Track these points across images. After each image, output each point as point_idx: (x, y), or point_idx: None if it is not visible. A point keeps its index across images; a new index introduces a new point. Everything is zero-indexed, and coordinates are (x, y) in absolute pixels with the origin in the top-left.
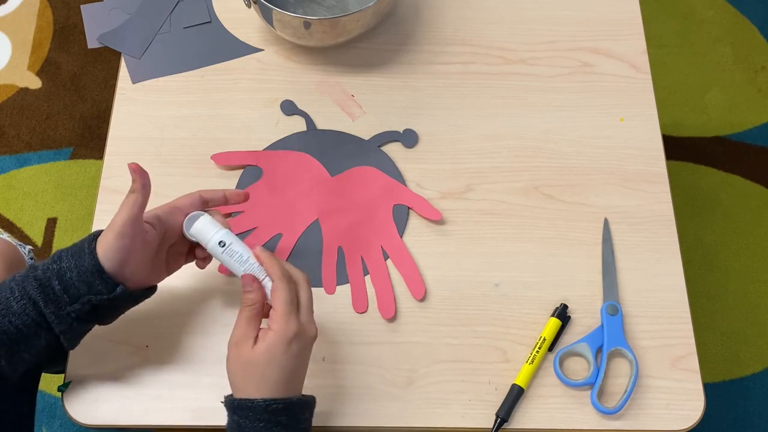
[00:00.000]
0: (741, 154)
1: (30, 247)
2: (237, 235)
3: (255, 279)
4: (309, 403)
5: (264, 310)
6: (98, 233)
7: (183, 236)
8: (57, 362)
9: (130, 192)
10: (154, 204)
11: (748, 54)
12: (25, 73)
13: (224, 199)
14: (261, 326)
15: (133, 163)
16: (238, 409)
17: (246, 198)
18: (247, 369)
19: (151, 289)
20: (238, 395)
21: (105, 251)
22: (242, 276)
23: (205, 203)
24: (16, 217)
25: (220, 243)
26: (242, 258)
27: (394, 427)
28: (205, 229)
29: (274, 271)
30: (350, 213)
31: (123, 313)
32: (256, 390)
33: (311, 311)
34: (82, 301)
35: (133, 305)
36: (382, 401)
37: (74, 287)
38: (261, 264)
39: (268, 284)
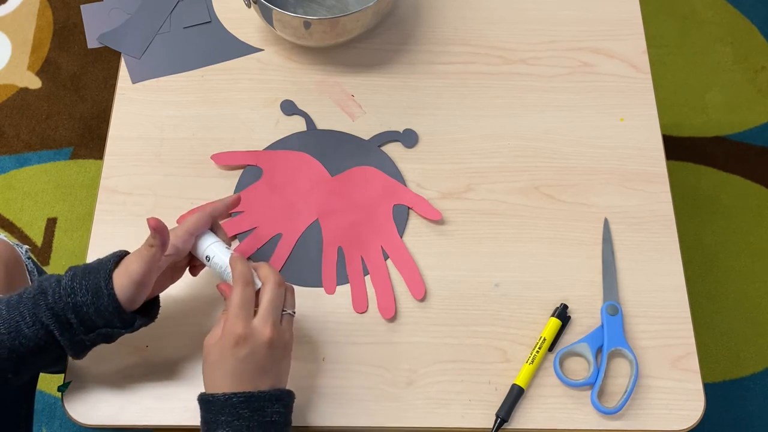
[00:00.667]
0: (741, 154)
1: (27, 246)
2: (237, 235)
3: (228, 286)
4: (279, 396)
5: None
6: (111, 265)
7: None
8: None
9: (149, 245)
10: (151, 204)
11: (748, 54)
12: (25, 73)
13: (226, 210)
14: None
15: (153, 219)
16: (202, 402)
17: (238, 201)
18: (206, 365)
19: (156, 307)
20: (207, 390)
21: (122, 293)
22: (216, 286)
23: (213, 219)
24: (16, 217)
25: (206, 258)
26: (222, 268)
27: (394, 427)
28: (199, 245)
29: (233, 275)
30: (350, 213)
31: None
32: (222, 384)
33: (273, 314)
34: (99, 333)
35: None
36: (382, 401)
37: (91, 321)
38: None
39: None
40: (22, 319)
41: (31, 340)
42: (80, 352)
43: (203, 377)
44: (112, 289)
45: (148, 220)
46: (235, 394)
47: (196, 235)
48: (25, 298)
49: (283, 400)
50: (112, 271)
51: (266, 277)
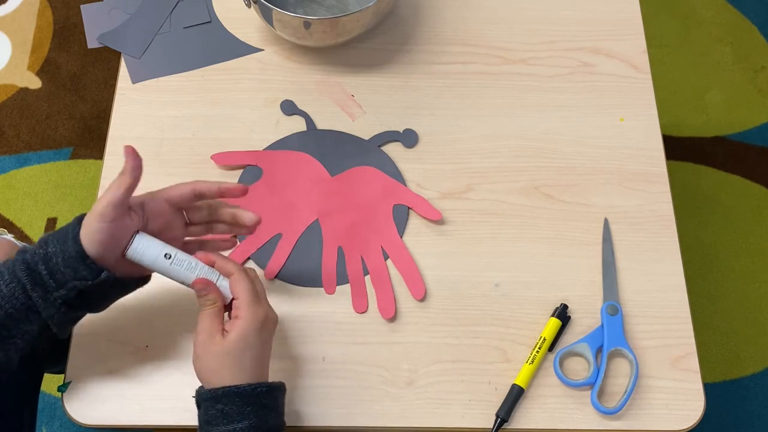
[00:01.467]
0: (741, 154)
1: (11, 235)
2: (237, 235)
3: (208, 282)
4: (282, 387)
5: (223, 308)
6: (83, 216)
7: (172, 226)
8: (57, 362)
9: (120, 174)
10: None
11: (748, 54)
12: (25, 73)
13: (219, 192)
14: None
15: (128, 146)
16: (223, 397)
17: (244, 193)
18: (223, 359)
19: (145, 279)
20: (216, 385)
21: (87, 234)
22: (194, 282)
23: (199, 195)
24: (16, 217)
25: (165, 255)
26: (191, 265)
27: (394, 427)
28: (148, 245)
29: (231, 266)
30: (350, 213)
31: (114, 301)
32: (233, 378)
33: (264, 297)
34: (68, 287)
35: (124, 293)
36: (382, 401)
37: (60, 272)
38: (213, 265)
39: (223, 283)
40: (1, 277)
41: (9, 301)
42: (57, 317)
43: (205, 373)
44: (78, 233)
45: (124, 146)
46: (259, 384)
47: (174, 204)
48: (9, 259)
49: (283, 391)
50: (82, 219)
51: (235, 268)
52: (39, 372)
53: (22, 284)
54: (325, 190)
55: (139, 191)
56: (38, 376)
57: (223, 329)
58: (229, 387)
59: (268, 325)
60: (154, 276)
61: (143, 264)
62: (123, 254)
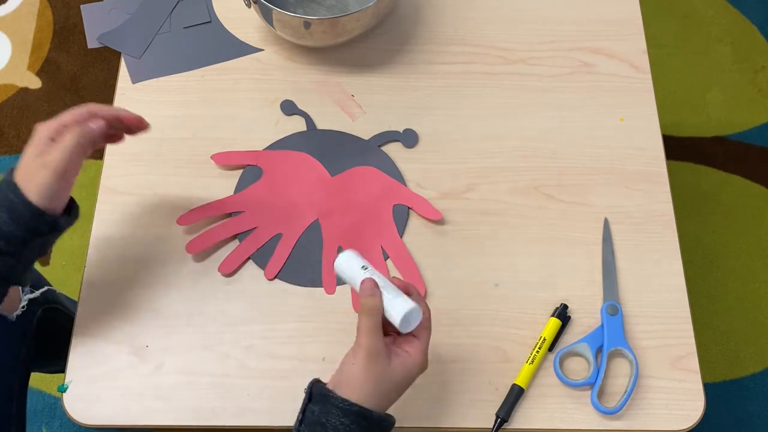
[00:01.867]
0: (741, 154)
1: None
2: (237, 235)
3: (377, 285)
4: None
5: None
6: (10, 174)
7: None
8: (48, 362)
9: (88, 124)
10: (151, 204)
11: (748, 54)
12: (25, 73)
13: (118, 119)
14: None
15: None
16: (355, 415)
17: (141, 123)
18: (380, 382)
19: (75, 206)
20: (353, 399)
21: (40, 191)
22: (364, 280)
23: (93, 116)
24: None
25: (363, 267)
26: (384, 281)
27: (394, 427)
28: (349, 257)
29: (424, 307)
30: (350, 213)
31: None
32: (378, 404)
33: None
34: (30, 246)
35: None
36: None
37: (13, 236)
38: (407, 291)
39: (396, 304)
40: None
41: None
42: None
43: (359, 386)
44: (23, 195)
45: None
46: (387, 419)
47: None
48: None
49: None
50: (12, 178)
51: (425, 308)
52: (26, 368)
53: None
54: (325, 190)
55: (139, 190)
56: (26, 372)
57: (390, 351)
58: (364, 408)
59: (420, 372)
60: (154, 276)
61: (343, 277)
62: None
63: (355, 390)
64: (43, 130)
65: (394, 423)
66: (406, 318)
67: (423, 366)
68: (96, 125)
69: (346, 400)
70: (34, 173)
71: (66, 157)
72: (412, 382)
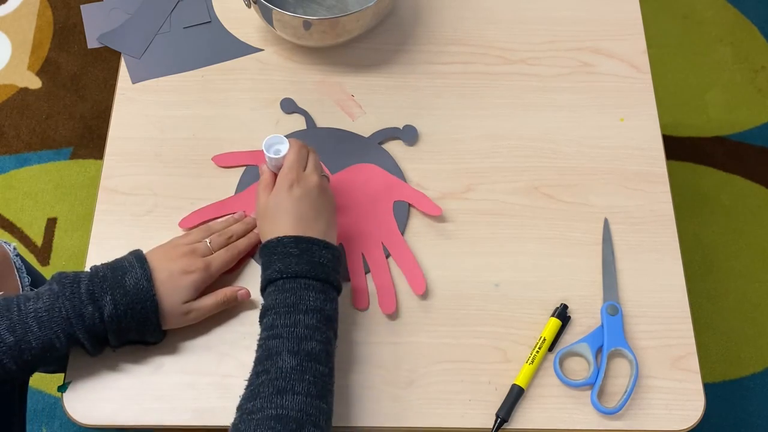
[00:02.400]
0: (741, 154)
1: (14, 244)
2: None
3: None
4: (326, 244)
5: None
6: (149, 280)
7: None
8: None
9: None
10: (151, 204)
11: (748, 54)
12: (25, 73)
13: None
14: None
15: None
16: (261, 249)
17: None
18: (263, 217)
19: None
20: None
21: (168, 323)
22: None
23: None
24: (16, 217)
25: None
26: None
27: (394, 427)
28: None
29: (292, 141)
30: (351, 210)
31: (132, 336)
32: (281, 229)
33: (316, 168)
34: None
35: (144, 334)
36: (382, 401)
37: (125, 335)
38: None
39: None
40: (56, 337)
41: (59, 351)
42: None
43: (261, 234)
44: (158, 321)
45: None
46: (285, 236)
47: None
48: (56, 317)
49: (330, 248)
50: (154, 295)
51: (310, 148)
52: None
53: (80, 342)
54: None
55: (139, 189)
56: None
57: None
58: (265, 242)
59: (302, 185)
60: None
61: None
62: None
63: (267, 232)
64: (199, 234)
65: (312, 239)
66: (269, 144)
67: (287, 180)
68: (244, 296)
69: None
70: (177, 309)
71: (212, 310)
72: (300, 195)
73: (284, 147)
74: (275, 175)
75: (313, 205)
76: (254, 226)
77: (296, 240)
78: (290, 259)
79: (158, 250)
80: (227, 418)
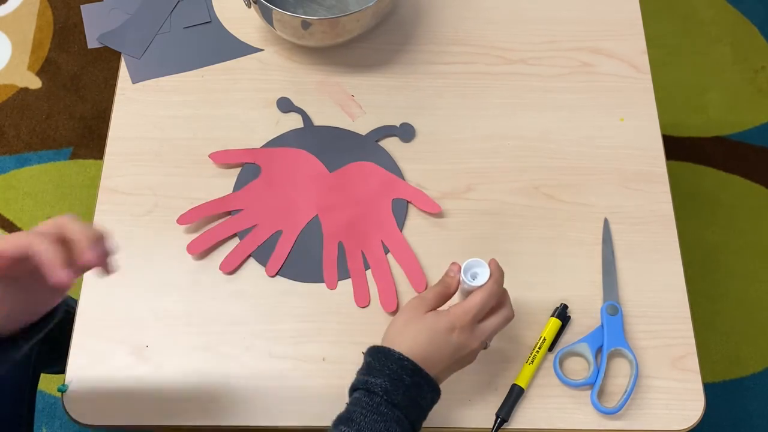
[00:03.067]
0: (741, 154)
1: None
2: (238, 233)
3: (459, 269)
4: (439, 392)
5: (448, 297)
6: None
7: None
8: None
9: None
10: (151, 204)
11: (748, 54)
12: (25, 73)
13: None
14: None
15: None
16: (377, 349)
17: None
18: (409, 324)
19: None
20: (393, 346)
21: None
22: (453, 264)
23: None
24: (16, 217)
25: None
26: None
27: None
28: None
29: (491, 281)
30: (349, 208)
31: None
32: (400, 345)
33: (485, 336)
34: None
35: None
36: None
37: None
38: (491, 268)
39: (473, 284)
40: None
41: None
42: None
43: (389, 330)
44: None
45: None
46: (408, 358)
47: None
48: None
49: (436, 394)
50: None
51: (507, 303)
52: (36, 371)
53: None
54: (324, 185)
55: (139, 189)
56: (35, 374)
57: (431, 309)
58: (387, 348)
59: (463, 337)
60: (154, 276)
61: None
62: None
63: (394, 337)
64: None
65: (423, 373)
66: (468, 266)
67: (457, 321)
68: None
69: (379, 346)
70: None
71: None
72: (454, 343)
73: (483, 273)
74: (444, 298)
75: (454, 356)
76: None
77: (414, 371)
78: (399, 385)
79: None
80: (227, 418)
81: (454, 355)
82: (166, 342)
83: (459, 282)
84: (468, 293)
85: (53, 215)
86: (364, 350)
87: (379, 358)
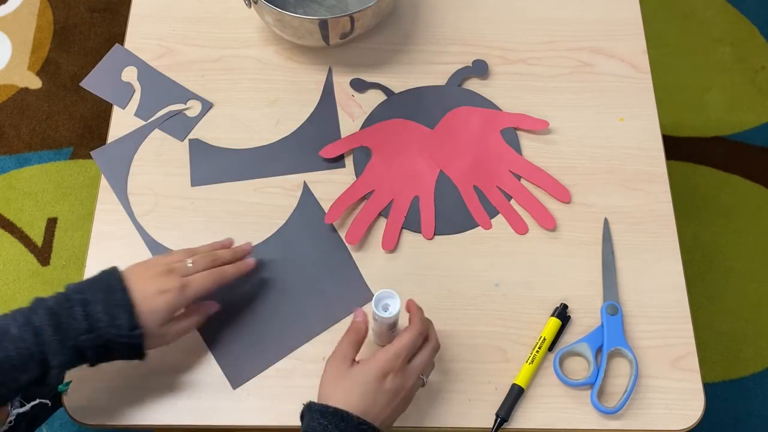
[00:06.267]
0: (741, 154)
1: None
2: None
3: (365, 313)
4: None
5: (361, 342)
6: (115, 270)
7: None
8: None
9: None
10: (151, 204)
11: (748, 54)
12: (25, 73)
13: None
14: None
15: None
16: (331, 415)
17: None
18: (338, 382)
19: (143, 355)
20: (329, 404)
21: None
22: (357, 310)
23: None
24: (16, 217)
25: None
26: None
27: (394, 426)
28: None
29: (414, 319)
30: (467, 153)
31: (115, 360)
32: (343, 404)
33: (417, 374)
34: (99, 333)
35: (123, 358)
36: None
37: (96, 317)
38: (408, 310)
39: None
40: (13, 320)
41: (13, 342)
42: (63, 366)
43: (324, 389)
44: (126, 288)
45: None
46: (365, 422)
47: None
48: (23, 308)
49: None
50: (116, 271)
51: (433, 337)
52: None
53: (37, 330)
54: (434, 142)
55: (140, 189)
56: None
57: (354, 360)
58: (341, 410)
59: (397, 381)
60: None
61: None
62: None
63: (330, 395)
64: (181, 254)
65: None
66: (379, 298)
67: (386, 367)
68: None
69: (324, 404)
70: (153, 332)
71: (188, 331)
72: (389, 389)
73: (394, 304)
74: (358, 345)
75: (392, 402)
76: (244, 254)
77: (360, 426)
78: None
79: (136, 268)
80: (227, 418)
81: (392, 402)
82: None
83: (367, 325)
84: (383, 325)
85: (53, 215)
86: (306, 403)
87: (317, 417)
